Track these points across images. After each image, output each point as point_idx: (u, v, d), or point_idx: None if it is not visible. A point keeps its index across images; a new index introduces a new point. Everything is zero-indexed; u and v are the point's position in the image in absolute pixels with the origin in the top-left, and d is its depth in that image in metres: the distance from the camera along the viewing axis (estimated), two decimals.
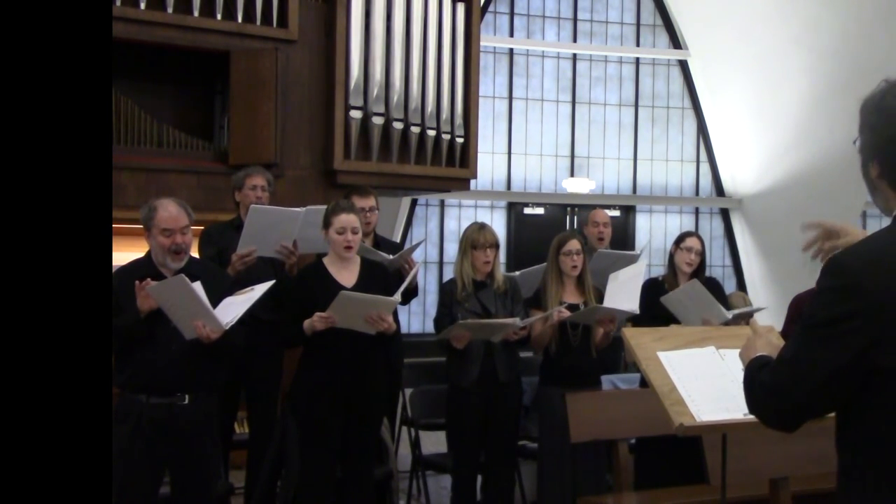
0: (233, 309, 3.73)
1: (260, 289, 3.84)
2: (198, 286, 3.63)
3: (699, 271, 5.16)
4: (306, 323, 4.11)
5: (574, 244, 4.91)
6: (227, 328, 3.65)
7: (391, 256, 4.96)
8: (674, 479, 4.47)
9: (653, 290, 5.02)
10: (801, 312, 6.22)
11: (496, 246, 4.87)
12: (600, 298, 4.84)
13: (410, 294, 5.08)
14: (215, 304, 3.71)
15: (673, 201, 12.66)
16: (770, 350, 2.10)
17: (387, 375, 4.58)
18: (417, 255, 5.30)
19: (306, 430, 4.27)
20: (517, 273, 5.54)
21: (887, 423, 1.84)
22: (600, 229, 5.94)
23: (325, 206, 4.63)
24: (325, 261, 4.33)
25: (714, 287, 5.25)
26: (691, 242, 5.18)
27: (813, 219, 2.52)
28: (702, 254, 5.16)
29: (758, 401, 1.99)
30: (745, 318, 5.12)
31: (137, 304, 3.64)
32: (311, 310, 4.12)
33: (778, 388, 1.92)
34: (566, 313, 4.72)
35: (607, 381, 5.21)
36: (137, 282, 3.64)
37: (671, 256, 5.24)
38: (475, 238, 4.82)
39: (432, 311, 10.84)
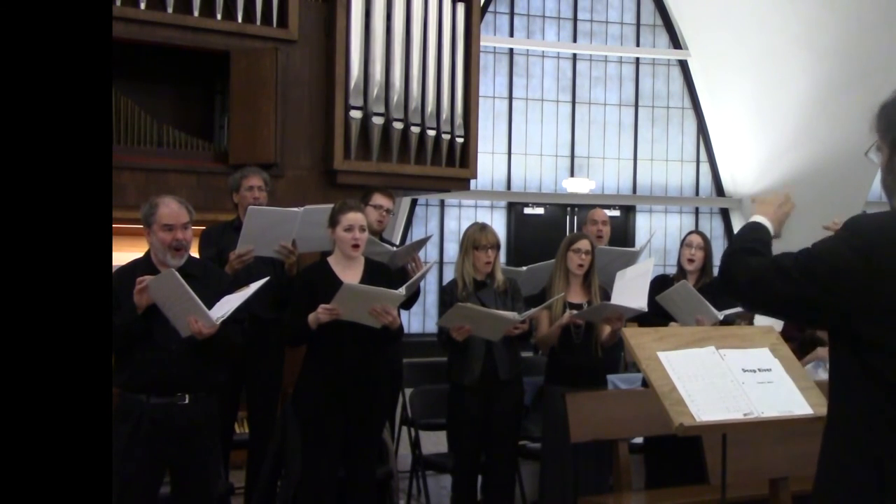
0: (227, 305, 3.74)
1: (255, 285, 3.85)
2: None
3: (705, 270, 5.17)
4: (311, 316, 4.12)
5: (584, 244, 4.94)
6: (219, 322, 3.65)
7: (395, 248, 4.97)
8: (683, 479, 4.46)
9: (660, 288, 5.03)
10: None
11: (497, 246, 4.89)
12: (607, 299, 4.84)
13: (412, 298, 5.07)
14: (214, 303, 3.72)
15: (673, 201, 12.66)
16: (771, 218, 2.30)
17: (388, 376, 4.58)
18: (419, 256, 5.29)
19: (309, 431, 4.27)
20: (524, 268, 5.54)
21: (860, 391, 1.93)
22: (599, 227, 5.95)
23: (322, 206, 4.63)
24: (330, 260, 4.34)
25: None
26: (691, 238, 5.24)
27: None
28: (704, 250, 5.18)
29: (733, 272, 2.14)
30: (743, 319, 5.11)
31: (134, 299, 3.65)
32: (316, 309, 4.12)
33: (757, 281, 2.09)
34: (577, 319, 4.74)
35: (608, 381, 5.21)
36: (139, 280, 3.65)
37: (679, 255, 5.29)
38: (477, 238, 4.83)
39: (432, 310, 10.90)
